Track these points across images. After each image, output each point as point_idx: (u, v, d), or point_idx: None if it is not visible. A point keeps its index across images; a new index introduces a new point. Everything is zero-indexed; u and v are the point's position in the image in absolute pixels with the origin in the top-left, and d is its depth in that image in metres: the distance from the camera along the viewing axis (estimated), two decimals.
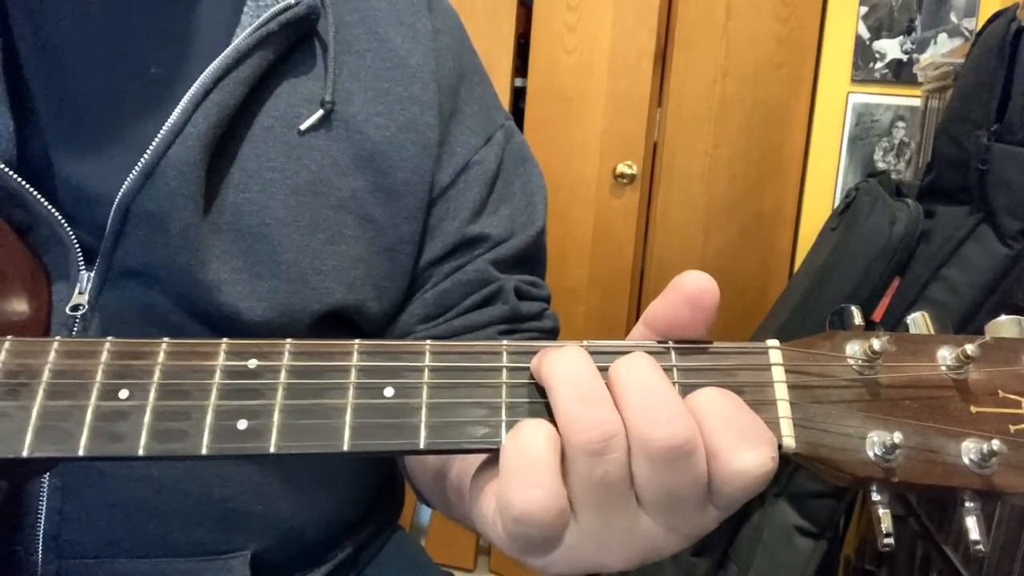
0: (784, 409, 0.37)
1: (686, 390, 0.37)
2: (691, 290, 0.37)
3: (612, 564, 0.37)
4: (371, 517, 0.69)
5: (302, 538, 0.60)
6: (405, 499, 0.77)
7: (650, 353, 0.37)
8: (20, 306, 0.49)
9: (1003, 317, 0.38)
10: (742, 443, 0.34)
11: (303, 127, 0.56)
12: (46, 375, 0.36)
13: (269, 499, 0.57)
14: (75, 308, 0.51)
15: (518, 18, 2.04)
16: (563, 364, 0.36)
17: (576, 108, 2.06)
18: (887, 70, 2.02)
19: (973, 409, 0.37)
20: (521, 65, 2.10)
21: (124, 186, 0.50)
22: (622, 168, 2.05)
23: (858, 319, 0.38)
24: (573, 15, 2.03)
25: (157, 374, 0.36)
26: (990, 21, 1.28)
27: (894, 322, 1.31)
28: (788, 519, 1.42)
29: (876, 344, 0.37)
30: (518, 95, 2.13)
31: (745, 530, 1.49)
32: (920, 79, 1.85)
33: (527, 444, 0.35)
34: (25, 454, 0.35)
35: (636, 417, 0.34)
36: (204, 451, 0.35)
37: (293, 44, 0.57)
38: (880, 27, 2.01)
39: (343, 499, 0.64)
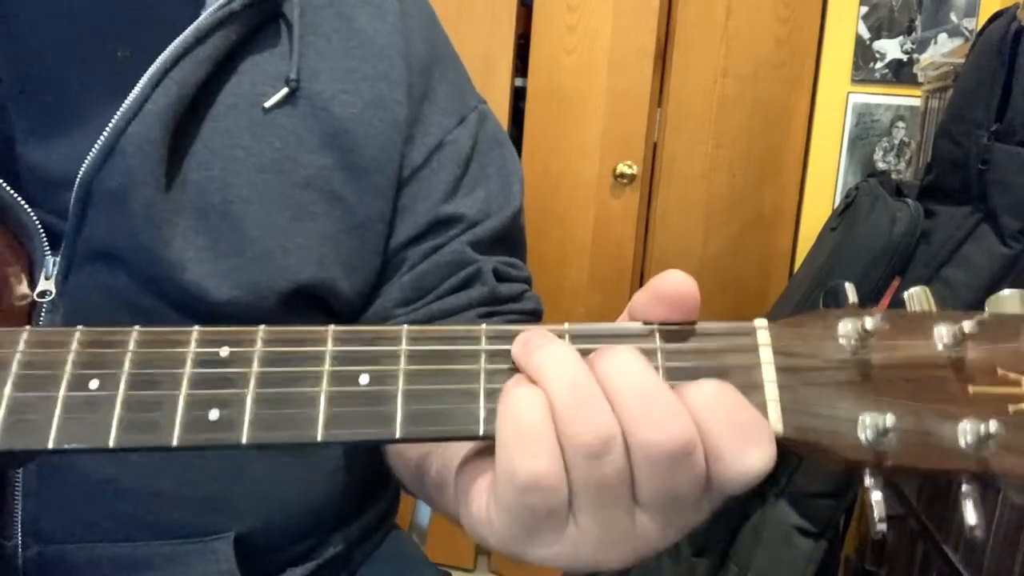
0: (772, 392, 0.35)
1: (670, 374, 0.36)
2: (668, 293, 0.36)
3: (610, 563, 0.36)
4: (362, 510, 0.69)
5: (287, 521, 0.60)
6: (400, 498, 0.76)
7: (634, 335, 0.36)
8: (6, 288, 0.48)
9: (1005, 291, 0.36)
10: (747, 443, 0.33)
11: (268, 105, 0.56)
12: (15, 366, 0.35)
13: (251, 478, 0.57)
14: (42, 294, 0.51)
15: (518, 18, 2.04)
16: (553, 361, 0.34)
17: (576, 108, 2.06)
18: (887, 70, 2.01)
19: (971, 389, 0.35)
20: (521, 65, 2.10)
21: (84, 165, 0.50)
22: (622, 168, 2.05)
23: (852, 297, 0.37)
24: (573, 15, 2.03)
25: (127, 363, 0.35)
26: (990, 21, 1.28)
27: None
28: (788, 519, 1.42)
29: (869, 322, 0.35)
30: (518, 95, 2.13)
31: (745, 530, 1.48)
32: (920, 79, 1.85)
33: (523, 412, 0.34)
34: None
35: (635, 421, 0.33)
36: (175, 442, 0.34)
37: (258, 25, 0.57)
38: (880, 27, 2.01)
39: (329, 480, 0.63)
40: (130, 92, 0.51)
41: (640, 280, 2.19)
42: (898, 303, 1.19)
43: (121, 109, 0.50)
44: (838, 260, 1.45)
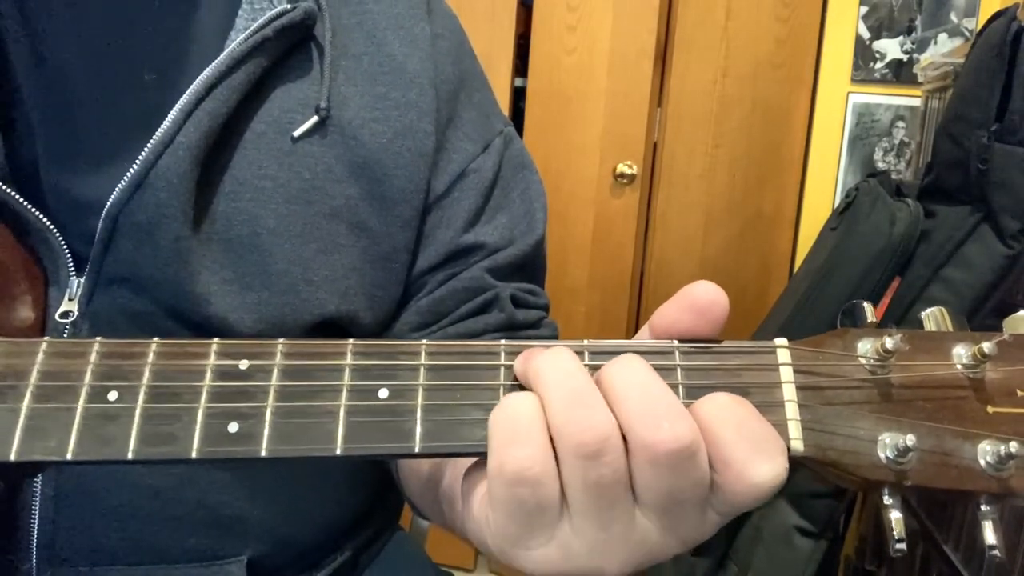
0: (792, 411, 0.36)
1: (691, 391, 0.36)
2: (698, 300, 0.37)
3: (608, 568, 0.36)
4: (370, 520, 0.68)
5: (300, 542, 0.60)
6: (404, 500, 0.77)
7: (654, 352, 0.37)
8: (16, 309, 0.48)
9: (1022, 312, 0.36)
10: (756, 454, 0.33)
11: (297, 134, 0.55)
12: (34, 376, 0.36)
13: (265, 504, 0.56)
14: (65, 315, 0.50)
15: (518, 18, 2.04)
16: (550, 365, 0.35)
17: (576, 108, 2.06)
18: (887, 70, 2.02)
19: (990, 409, 0.35)
20: (521, 65, 2.10)
21: (113, 196, 0.49)
22: (622, 168, 2.05)
23: (870, 316, 0.37)
24: (573, 15, 2.03)
25: (147, 375, 0.36)
26: (990, 21, 1.28)
27: (894, 322, 1.30)
28: (788, 519, 1.42)
29: (889, 343, 0.35)
30: (518, 95, 2.13)
31: (745, 530, 1.48)
32: (920, 79, 1.85)
33: (513, 408, 0.34)
34: (12, 458, 0.34)
35: (636, 420, 0.33)
36: (194, 454, 0.34)
37: (288, 49, 0.56)
38: (880, 27, 2.01)
39: (341, 502, 0.63)
40: (157, 117, 0.50)
41: (640, 280, 2.19)
42: (898, 303, 1.18)
43: (152, 141, 0.49)
44: (838, 260, 1.44)
